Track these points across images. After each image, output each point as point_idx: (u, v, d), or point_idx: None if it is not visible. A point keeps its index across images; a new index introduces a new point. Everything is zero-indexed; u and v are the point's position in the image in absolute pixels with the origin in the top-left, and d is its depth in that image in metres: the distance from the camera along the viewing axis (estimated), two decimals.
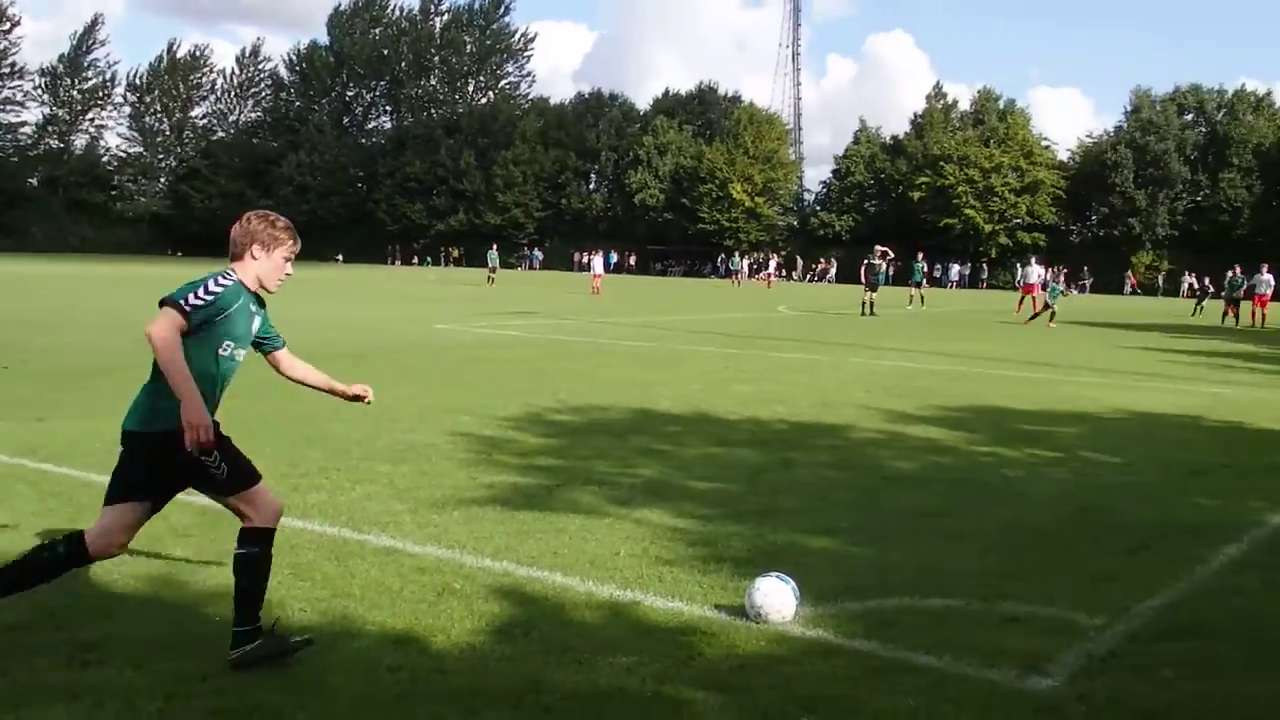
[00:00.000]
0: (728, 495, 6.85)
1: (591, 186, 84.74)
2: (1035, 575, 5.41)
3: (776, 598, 4.50)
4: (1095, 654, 4.33)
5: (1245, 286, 32.96)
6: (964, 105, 79.05)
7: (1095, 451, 9.00)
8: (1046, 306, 28.86)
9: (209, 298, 3.67)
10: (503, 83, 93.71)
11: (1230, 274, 33.76)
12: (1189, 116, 72.79)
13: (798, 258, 74.88)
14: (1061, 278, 34.33)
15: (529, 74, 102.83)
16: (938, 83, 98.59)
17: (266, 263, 3.88)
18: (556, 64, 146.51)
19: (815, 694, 3.82)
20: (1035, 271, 33.13)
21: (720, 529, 6.03)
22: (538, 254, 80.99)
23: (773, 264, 63.47)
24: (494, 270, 46.73)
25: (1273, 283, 33.47)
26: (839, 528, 6.18)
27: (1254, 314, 31.95)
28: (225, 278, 3.77)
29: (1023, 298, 32.54)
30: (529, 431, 8.84)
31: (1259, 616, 4.83)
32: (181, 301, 3.62)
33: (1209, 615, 4.83)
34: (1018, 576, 5.39)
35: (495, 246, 53.34)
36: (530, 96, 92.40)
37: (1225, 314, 31.94)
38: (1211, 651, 4.37)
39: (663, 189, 79.53)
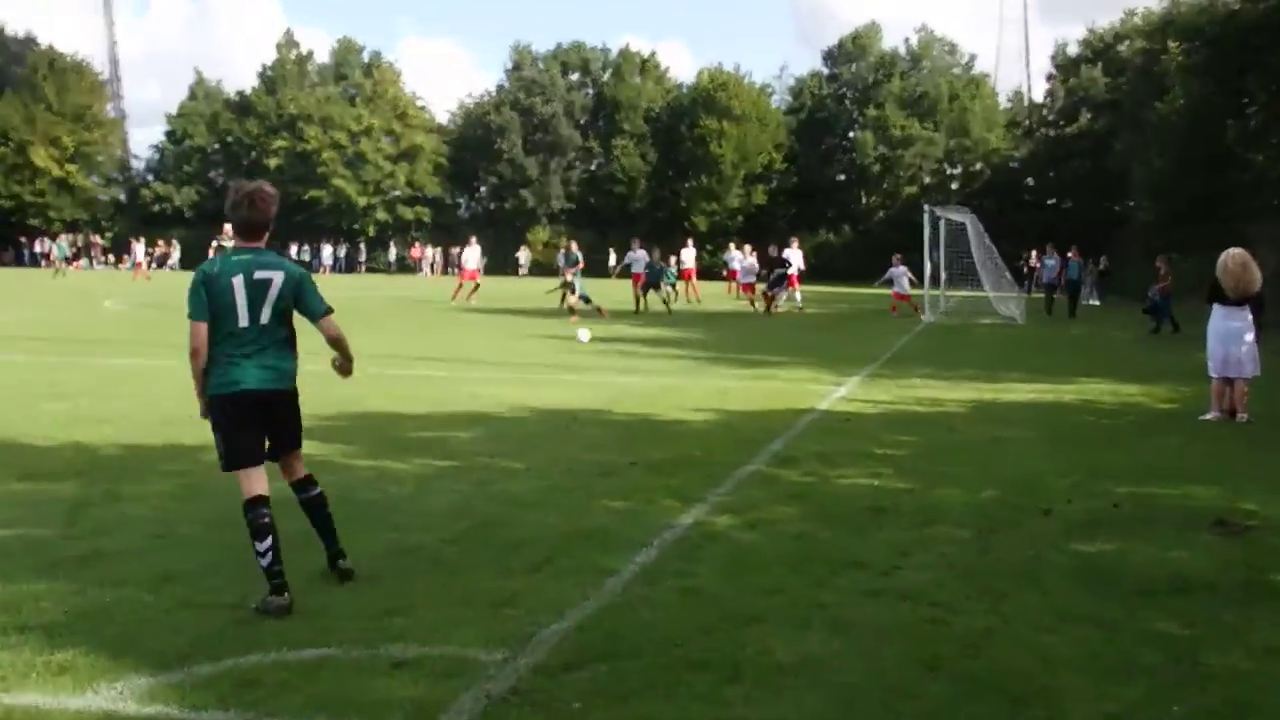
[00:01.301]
0: (35, 542, 6.67)
1: None
2: (427, 607, 5.59)
3: None
4: (496, 694, 4.51)
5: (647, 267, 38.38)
6: (322, 57, 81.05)
7: (495, 457, 9.58)
8: (768, 297, 32.94)
9: None
10: None
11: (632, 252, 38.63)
12: (575, 76, 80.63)
13: (134, 240, 70.77)
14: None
15: None
16: (289, 29, 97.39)
17: None
18: None
19: None
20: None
21: (25, 588, 5.81)
22: None
23: (140, 249, 58.90)
24: None
25: (694, 255, 42.78)
26: (183, 570, 6.12)
27: (688, 289, 39.37)
28: None
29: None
30: None
31: (671, 629, 5.32)
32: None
33: (620, 634, 5.23)
34: (406, 611, 5.53)
35: None
36: None
37: (638, 301, 36.07)
38: (622, 675, 4.73)
39: None
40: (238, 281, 5.75)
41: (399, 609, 5.56)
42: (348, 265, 74.06)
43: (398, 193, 77.83)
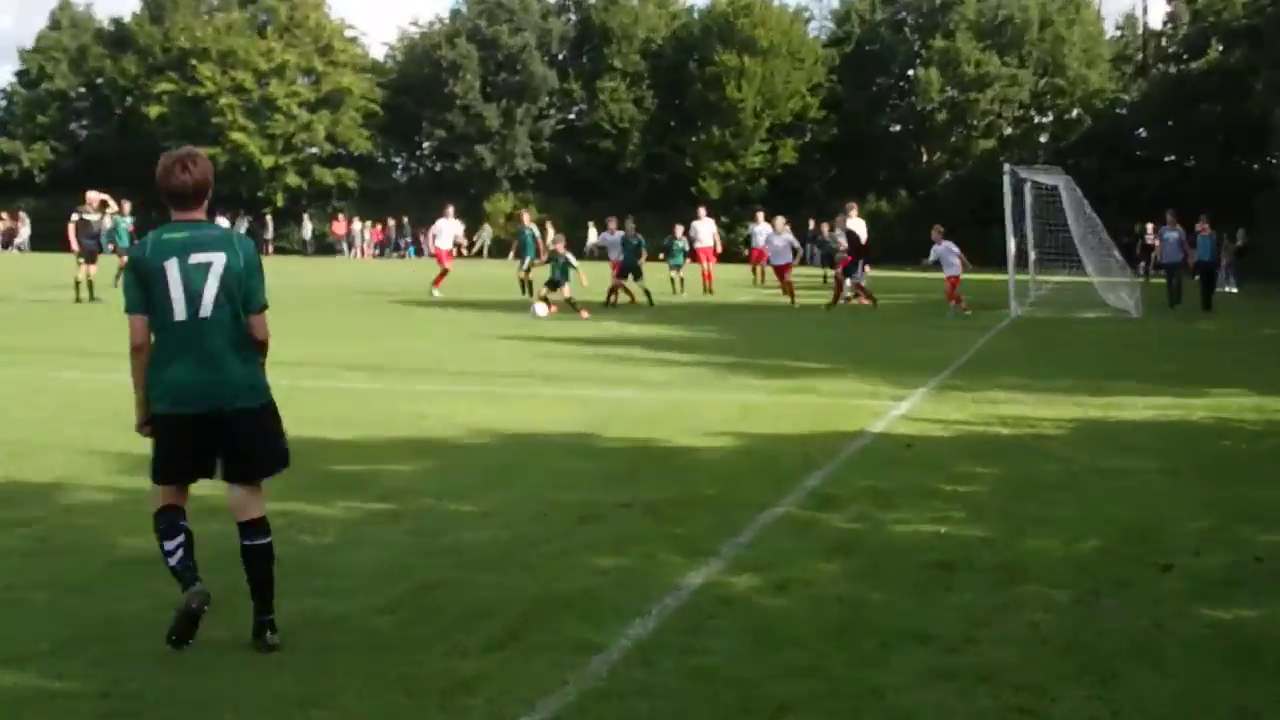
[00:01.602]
0: None
1: None
2: (353, 696, 5.59)
3: None
4: None
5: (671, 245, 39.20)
6: None
7: (444, 498, 9.55)
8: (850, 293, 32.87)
9: None
10: None
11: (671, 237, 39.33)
12: (553, 0, 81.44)
13: None
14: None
15: None
16: None
17: None
18: None
19: None
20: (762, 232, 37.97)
21: None
22: None
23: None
24: None
25: (713, 230, 41.43)
26: (34, 651, 6.09)
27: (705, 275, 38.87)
28: None
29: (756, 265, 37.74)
30: None
31: None
32: None
33: None
34: (325, 702, 5.53)
35: None
36: None
37: (613, 294, 36.21)
38: None
39: None
40: (171, 266, 6.03)
41: (316, 698, 5.53)
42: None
43: (315, 150, 78.04)
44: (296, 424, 12.59)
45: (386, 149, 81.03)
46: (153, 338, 6.11)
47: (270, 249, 73.33)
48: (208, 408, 6.08)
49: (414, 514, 9.07)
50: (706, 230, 41.30)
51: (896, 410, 14.40)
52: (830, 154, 74.26)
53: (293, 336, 21.86)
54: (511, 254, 36.60)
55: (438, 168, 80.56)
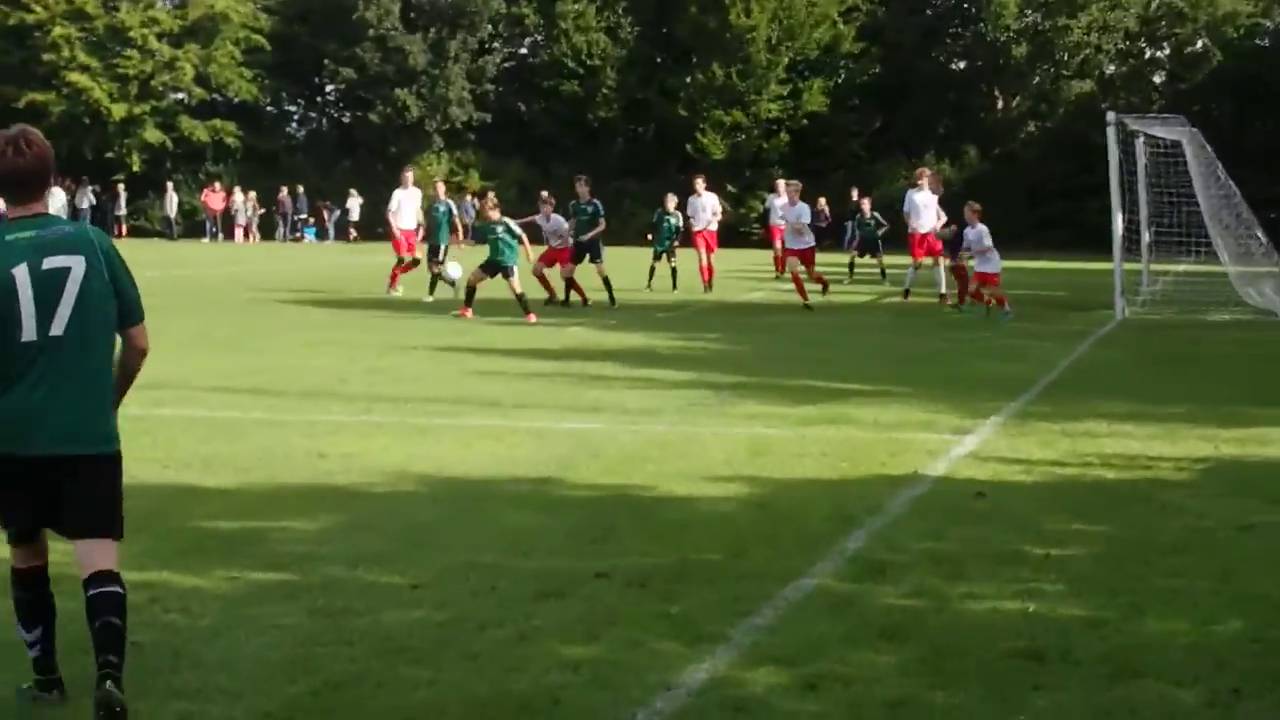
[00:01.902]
0: None
1: None
2: None
3: None
4: None
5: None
6: None
7: (356, 565, 9.58)
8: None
9: None
10: None
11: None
12: None
13: None
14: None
15: None
16: None
17: None
18: None
19: None
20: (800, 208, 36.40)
21: None
22: None
23: None
24: None
25: (715, 208, 40.99)
26: None
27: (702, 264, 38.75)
28: None
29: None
30: None
31: None
32: None
33: None
34: None
35: None
36: None
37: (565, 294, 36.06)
38: None
39: None
40: (20, 274, 6.45)
41: None
42: (94, 221, 73.86)
43: (182, 96, 77.98)
44: (155, 467, 12.67)
45: (277, 95, 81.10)
46: None
47: (123, 229, 73.22)
48: (53, 448, 6.56)
49: (316, 587, 9.04)
50: (707, 207, 40.75)
51: (961, 447, 14.43)
52: (871, 100, 74.37)
53: (151, 349, 21.81)
54: (420, 236, 36.34)
55: (345, 119, 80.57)
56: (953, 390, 18.52)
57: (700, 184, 41.49)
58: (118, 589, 6.77)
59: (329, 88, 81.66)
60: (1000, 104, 75.06)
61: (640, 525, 10.90)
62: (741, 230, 64.53)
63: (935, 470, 13.19)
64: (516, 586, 9.11)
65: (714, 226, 40.53)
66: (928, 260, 34.53)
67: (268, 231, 73.55)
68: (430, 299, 32.40)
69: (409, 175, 38.42)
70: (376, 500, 11.77)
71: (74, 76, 74.73)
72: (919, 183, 36.06)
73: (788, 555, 9.89)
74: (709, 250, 39.24)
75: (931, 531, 10.70)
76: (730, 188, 65.05)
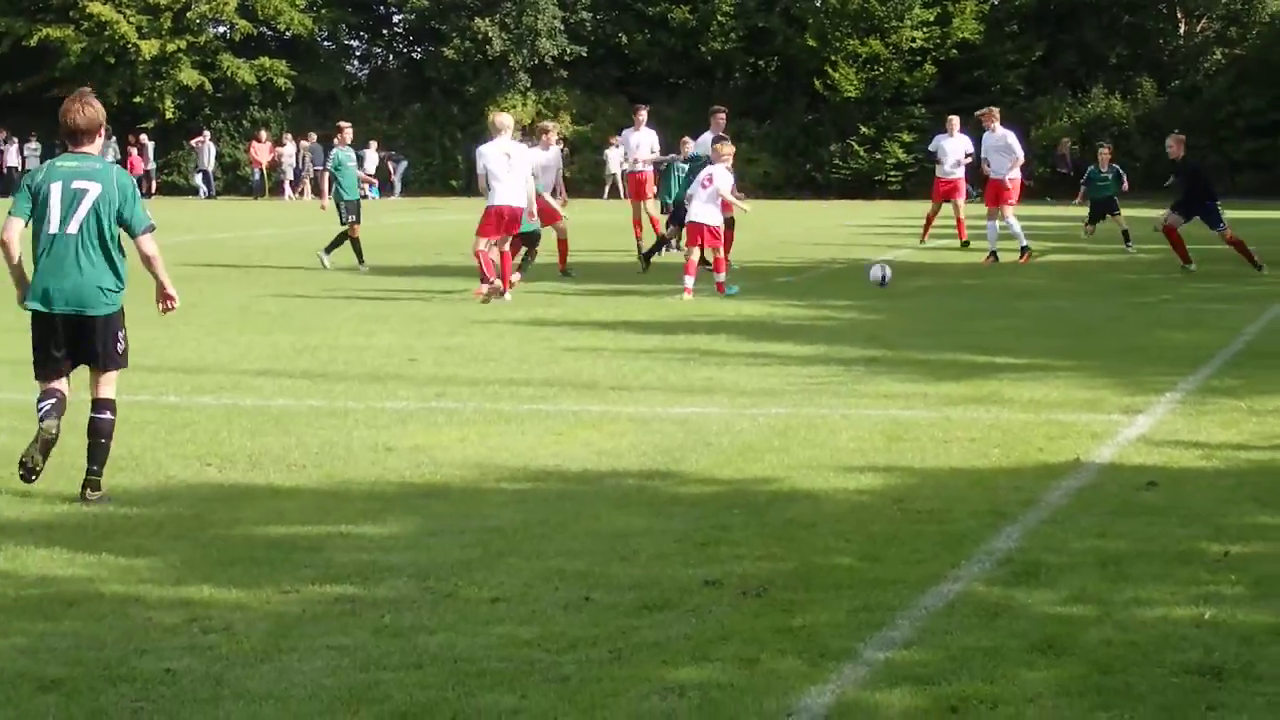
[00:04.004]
0: None
1: None
2: None
3: None
4: None
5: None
6: None
7: (428, 576, 9.63)
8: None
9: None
10: None
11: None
12: None
13: None
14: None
15: None
16: None
17: None
18: None
19: None
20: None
21: None
22: None
23: None
24: None
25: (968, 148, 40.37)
26: None
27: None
28: None
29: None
30: None
31: None
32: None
33: None
34: None
35: None
36: None
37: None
38: None
39: None
40: (55, 188, 11.38)
41: None
42: None
43: (223, 30, 78.27)
44: (195, 465, 12.83)
45: (335, 28, 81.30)
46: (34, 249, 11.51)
47: (154, 186, 73.30)
48: (65, 317, 11.40)
49: (383, 602, 9.09)
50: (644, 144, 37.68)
51: (1131, 430, 14.42)
52: (1032, 26, 73.80)
53: (187, 329, 22.01)
54: (325, 185, 36.37)
55: (415, 54, 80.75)
56: (1121, 364, 18.51)
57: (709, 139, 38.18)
58: (108, 414, 11.70)
59: (396, 18, 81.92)
60: (1183, 27, 74.27)
61: (758, 525, 10.97)
62: (877, 180, 64.36)
63: (1100, 457, 13.19)
64: (613, 598, 9.18)
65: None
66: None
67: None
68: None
69: (643, 113, 37.53)
70: (451, 500, 11.86)
71: (95, 8, 75.47)
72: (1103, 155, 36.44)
73: (928, 558, 9.95)
74: (710, 243, 36.86)
75: (1095, 528, 10.71)
76: (865, 129, 64.86)
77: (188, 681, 7.60)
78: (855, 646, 8.24)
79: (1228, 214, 31.24)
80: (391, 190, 73.30)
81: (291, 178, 74.26)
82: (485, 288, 25.51)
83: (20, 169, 70.17)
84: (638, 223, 36.26)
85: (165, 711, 7.21)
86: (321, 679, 7.87)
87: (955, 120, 39.76)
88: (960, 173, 38.36)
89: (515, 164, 26.20)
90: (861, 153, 67.28)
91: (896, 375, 17.76)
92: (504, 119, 27.08)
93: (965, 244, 37.27)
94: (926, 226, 39.63)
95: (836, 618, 8.73)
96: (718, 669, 7.96)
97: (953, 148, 38.45)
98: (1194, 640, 8.32)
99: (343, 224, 33.30)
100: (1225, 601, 8.98)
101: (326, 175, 36.54)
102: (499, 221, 25.77)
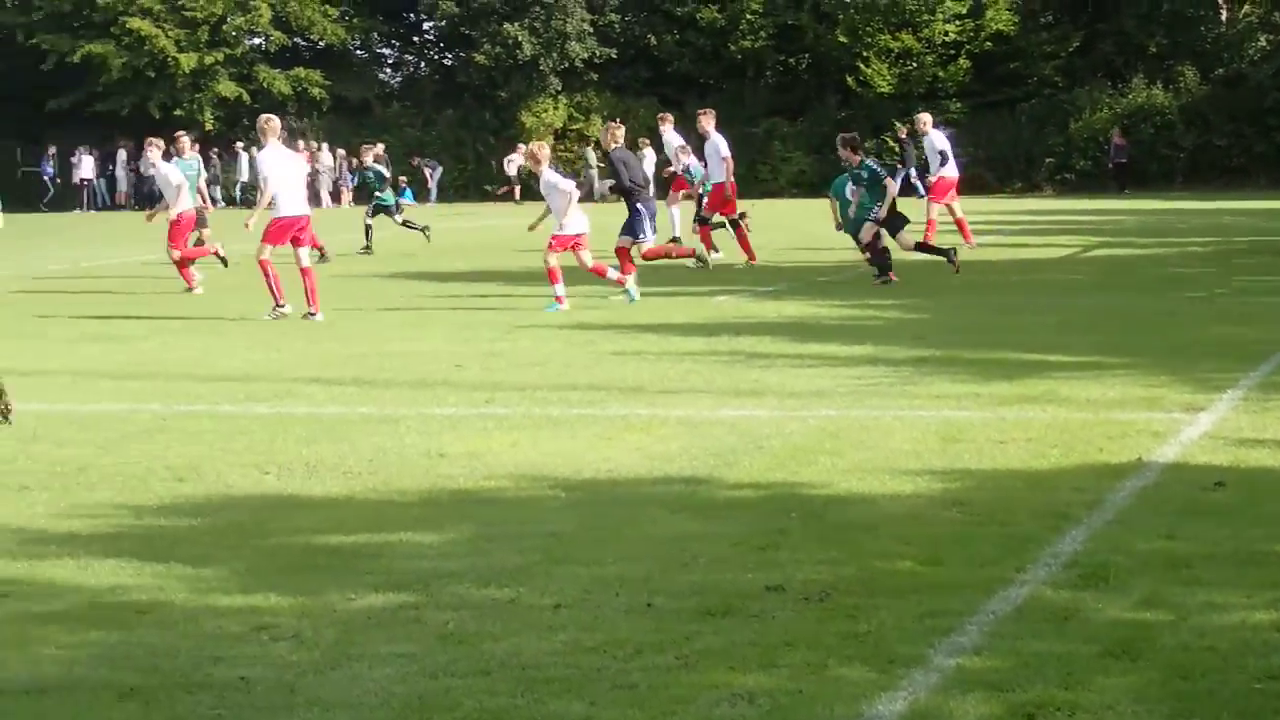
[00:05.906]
0: None
1: None
2: None
3: None
4: None
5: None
6: None
7: (489, 583, 9.64)
8: None
9: None
10: None
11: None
12: None
13: None
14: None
15: None
16: None
17: None
18: None
19: None
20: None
21: None
22: None
23: None
24: None
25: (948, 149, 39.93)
26: None
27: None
28: None
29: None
30: None
31: None
32: None
33: None
34: None
35: None
36: None
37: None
38: None
39: None
40: None
41: None
42: (145, 190, 73.72)
43: (258, 42, 78.49)
44: (253, 473, 12.86)
45: (367, 37, 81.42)
46: None
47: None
48: None
49: (445, 608, 9.13)
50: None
51: (1194, 428, 14.33)
52: (1068, 15, 73.67)
53: (238, 339, 22.02)
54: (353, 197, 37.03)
55: (447, 60, 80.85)
56: (1181, 360, 18.42)
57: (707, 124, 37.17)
58: None
59: (427, 25, 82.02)
60: (1224, 14, 74.07)
61: (816, 529, 10.93)
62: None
63: (1164, 456, 13.11)
64: (675, 604, 9.18)
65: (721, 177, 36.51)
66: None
67: (361, 196, 73.94)
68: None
69: (667, 118, 38.74)
70: (506, 506, 11.89)
71: (135, 23, 75.73)
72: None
73: (992, 561, 9.90)
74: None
75: (1162, 529, 10.64)
76: (898, 123, 64.72)
77: (261, 689, 7.64)
78: (924, 653, 8.21)
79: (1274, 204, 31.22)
80: (428, 196, 73.75)
81: (330, 189, 74.40)
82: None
83: (94, 179, 71.91)
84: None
85: (241, 719, 7.23)
86: (392, 686, 7.92)
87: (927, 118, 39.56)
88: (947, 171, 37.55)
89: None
90: (897, 149, 67.08)
91: (946, 375, 17.72)
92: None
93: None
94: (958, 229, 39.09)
95: (903, 623, 8.69)
96: (785, 675, 7.94)
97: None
98: (1276, 645, 8.27)
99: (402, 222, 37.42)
100: None
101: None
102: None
